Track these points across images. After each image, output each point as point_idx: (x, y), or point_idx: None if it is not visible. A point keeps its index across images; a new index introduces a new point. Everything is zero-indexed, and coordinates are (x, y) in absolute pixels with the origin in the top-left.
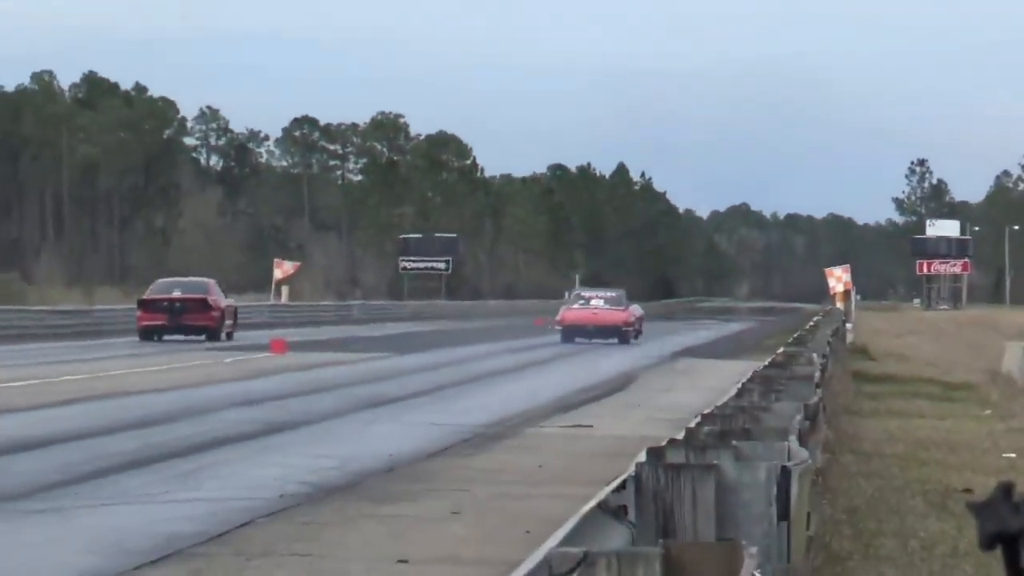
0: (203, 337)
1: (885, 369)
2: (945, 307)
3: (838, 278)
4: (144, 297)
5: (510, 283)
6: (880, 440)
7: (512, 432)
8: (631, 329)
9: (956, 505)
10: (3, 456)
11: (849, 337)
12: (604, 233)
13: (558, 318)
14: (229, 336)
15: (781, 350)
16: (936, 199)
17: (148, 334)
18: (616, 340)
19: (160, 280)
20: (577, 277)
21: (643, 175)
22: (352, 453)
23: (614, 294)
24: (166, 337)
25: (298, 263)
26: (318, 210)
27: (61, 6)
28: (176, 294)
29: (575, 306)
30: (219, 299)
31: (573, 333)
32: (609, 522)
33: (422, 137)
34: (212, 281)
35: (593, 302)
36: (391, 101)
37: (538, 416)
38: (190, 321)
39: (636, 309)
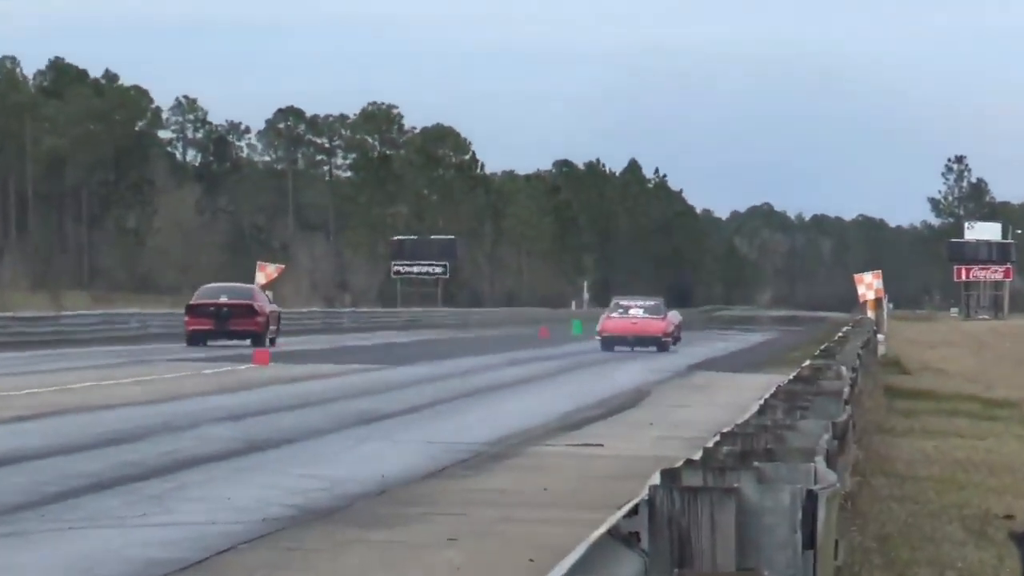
0: (248, 342)
1: (920, 384)
2: (985, 317)
3: (868, 285)
4: (192, 302)
5: (512, 289)
6: (914, 461)
7: (515, 451)
8: (670, 338)
9: (997, 532)
10: None
11: (881, 349)
12: (614, 235)
13: (598, 328)
14: (272, 342)
15: (807, 363)
16: (975, 199)
17: (195, 339)
18: (655, 349)
19: (206, 285)
20: (585, 283)
21: (657, 172)
22: (341, 473)
23: (653, 303)
24: (211, 342)
25: (282, 266)
26: (304, 209)
27: None
28: (223, 299)
29: (614, 315)
30: (264, 305)
31: (613, 342)
32: (620, 550)
33: (417, 130)
34: (258, 287)
35: (632, 311)
36: (383, 90)
37: (543, 434)
38: (236, 326)
39: (674, 317)
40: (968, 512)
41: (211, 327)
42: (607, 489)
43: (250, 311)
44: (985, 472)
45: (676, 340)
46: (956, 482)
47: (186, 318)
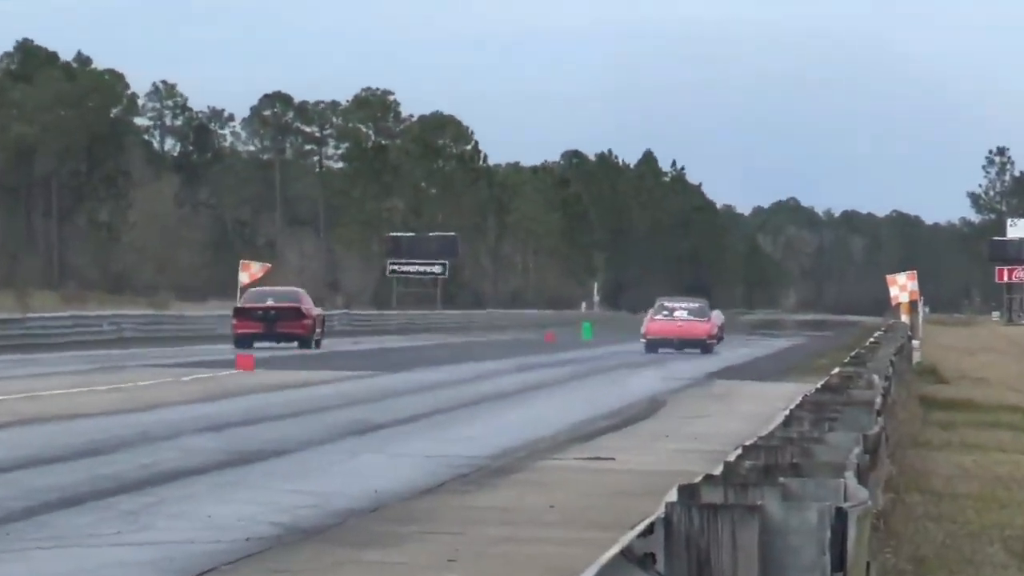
0: (295, 344)
1: (959, 394)
2: None
3: (902, 287)
4: (240, 305)
5: (517, 290)
6: (953, 477)
7: (519, 465)
8: (714, 340)
9: None
10: None
11: (916, 356)
12: (628, 232)
13: (643, 330)
14: (318, 344)
15: (836, 371)
16: (1018, 194)
17: (243, 341)
18: (699, 351)
19: (253, 289)
20: (596, 284)
21: (674, 164)
22: (331, 489)
23: (697, 304)
24: (258, 344)
25: (268, 265)
26: (292, 202)
27: None
28: (270, 303)
29: (658, 317)
30: (311, 308)
31: (657, 345)
32: (634, 572)
33: (415, 118)
34: (303, 291)
35: (676, 313)
36: (378, 75)
37: (550, 447)
38: (284, 329)
39: (718, 318)
40: (1011, 533)
41: (259, 330)
42: (619, 506)
43: (298, 314)
44: None
45: (719, 339)
46: (998, 500)
47: (234, 321)
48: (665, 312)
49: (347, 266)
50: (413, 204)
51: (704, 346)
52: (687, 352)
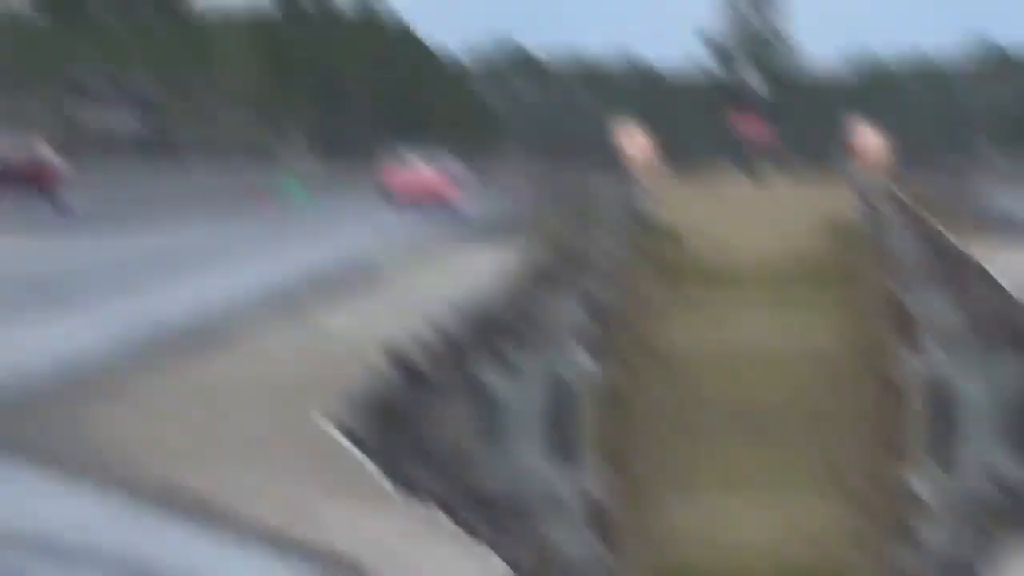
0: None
1: (697, 258)
2: (768, 179)
3: (633, 139)
4: None
5: (218, 146)
6: (687, 347)
7: (220, 335)
8: (461, 199)
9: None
10: None
11: (652, 216)
12: (339, 85)
13: (387, 187)
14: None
15: (562, 232)
16: (758, 41)
17: None
18: (448, 212)
19: None
20: (302, 141)
21: (390, 10)
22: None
23: (443, 161)
24: None
25: None
26: None
27: None
28: None
29: (402, 173)
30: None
31: (402, 202)
32: (340, 445)
33: None
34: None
35: (421, 170)
36: None
37: (252, 312)
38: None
39: (463, 175)
40: (743, 407)
41: None
42: (327, 376)
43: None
44: (774, 364)
45: (465, 198)
46: (734, 372)
47: None
48: (408, 168)
49: (32, 119)
50: (106, 54)
51: (452, 205)
52: (424, 211)
